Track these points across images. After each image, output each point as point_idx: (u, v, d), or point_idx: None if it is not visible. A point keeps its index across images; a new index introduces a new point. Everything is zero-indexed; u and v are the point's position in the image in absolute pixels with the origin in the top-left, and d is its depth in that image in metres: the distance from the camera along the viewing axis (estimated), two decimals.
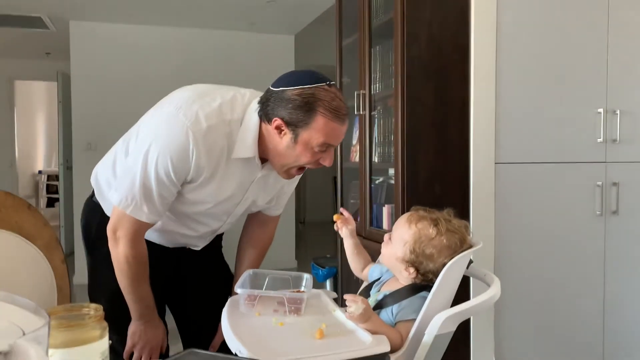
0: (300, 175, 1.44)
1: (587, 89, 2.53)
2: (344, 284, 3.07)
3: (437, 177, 2.38)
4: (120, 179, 1.39)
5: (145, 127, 1.36)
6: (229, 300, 1.35)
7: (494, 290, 1.18)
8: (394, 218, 2.49)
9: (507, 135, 2.40)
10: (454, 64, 2.37)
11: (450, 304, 1.22)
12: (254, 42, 5.41)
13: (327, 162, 1.33)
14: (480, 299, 1.16)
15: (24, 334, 0.42)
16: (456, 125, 2.38)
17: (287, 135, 1.28)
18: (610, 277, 2.59)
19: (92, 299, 1.59)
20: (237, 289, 1.29)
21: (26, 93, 8.41)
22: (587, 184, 2.54)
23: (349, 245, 1.46)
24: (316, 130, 1.25)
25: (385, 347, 1.06)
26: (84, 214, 1.56)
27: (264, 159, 1.39)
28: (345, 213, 1.43)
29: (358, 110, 2.68)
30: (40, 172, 9.14)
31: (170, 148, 1.28)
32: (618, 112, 2.55)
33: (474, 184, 2.37)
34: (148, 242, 1.46)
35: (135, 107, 4.99)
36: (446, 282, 1.17)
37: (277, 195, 1.58)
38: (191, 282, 1.62)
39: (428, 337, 1.12)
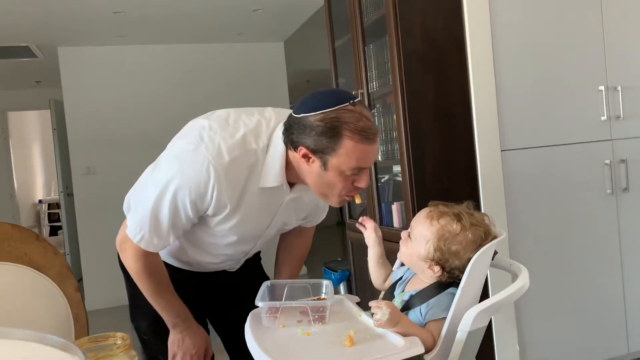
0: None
1: (586, 67, 2.51)
2: (358, 286, 3.04)
3: (444, 170, 2.35)
4: (136, 207, 1.37)
5: (165, 159, 1.33)
6: (250, 315, 1.32)
7: (524, 280, 1.15)
8: (404, 215, 2.46)
9: (510, 122, 2.38)
10: (451, 54, 2.34)
11: (479, 297, 1.19)
12: (244, 52, 5.39)
13: (362, 184, 1.25)
14: (510, 290, 1.13)
15: None
16: (459, 116, 2.35)
17: (316, 163, 1.21)
18: (626, 254, 2.56)
19: (135, 322, 1.59)
20: (258, 302, 1.26)
21: (19, 123, 8.37)
22: (595, 163, 2.52)
23: (376, 254, 1.40)
24: (345, 155, 1.17)
25: (419, 349, 1.03)
26: None
27: (292, 183, 1.34)
28: (367, 219, 1.37)
29: None
30: (40, 201, 9.10)
31: (190, 183, 1.24)
32: (619, 88, 2.53)
33: (481, 173, 2.34)
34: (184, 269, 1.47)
35: (130, 127, 5.03)
36: (474, 276, 1.14)
37: (313, 211, 1.53)
38: (231, 299, 1.59)
39: (461, 334, 1.09)
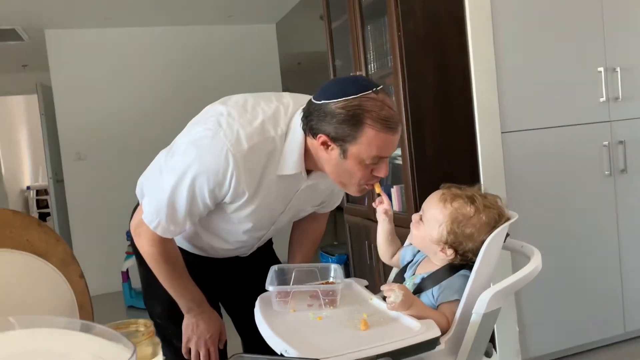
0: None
1: (585, 49, 2.50)
2: (356, 269, 3.04)
3: (444, 152, 2.35)
4: (151, 193, 1.34)
5: (182, 145, 1.29)
6: (258, 299, 1.31)
7: (537, 262, 1.15)
8: (404, 198, 2.46)
9: (510, 104, 2.37)
10: (451, 36, 2.32)
11: (492, 280, 1.19)
12: (235, 35, 5.31)
13: (382, 173, 1.22)
14: (524, 271, 1.13)
15: None
16: (459, 97, 2.34)
17: (335, 151, 1.18)
18: (624, 235, 2.58)
19: (148, 306, 1.57)
20: (269, 286, 1.25)
21: (5, 108, 8.22)
22: (594, 145, 2.53)
23: (385, 230, 1.38)
24: (366, 144, 1.15)
25: (435, 332, 1.03)
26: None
27: (309, 170, 1.31)
28: (384, 196, 1.35)
29: None
30: (28, 187, 8.98)
31: (208, 170, 1.21)
32: (618, 69, 2.52)
33: (482, 155, 2.33)
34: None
35: (121, 111, 4.95)
36: (487, 258, 1.13)
37: (328, 197, 1.51)
38: (244, 283, 1.57)
39: (476, 316, 1.09)
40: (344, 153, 1.18)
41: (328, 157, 1.21)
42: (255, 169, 1.24)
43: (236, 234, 1.41)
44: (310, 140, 1.23)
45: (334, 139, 1.17)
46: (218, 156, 1.20)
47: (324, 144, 1.19)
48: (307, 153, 1.26)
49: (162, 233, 1.30)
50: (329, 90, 1.18)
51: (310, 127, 1.20)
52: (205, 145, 1.22)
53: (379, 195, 1.35)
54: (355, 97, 1.14)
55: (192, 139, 1.26)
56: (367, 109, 1.14)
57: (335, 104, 1.15)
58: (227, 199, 1.27)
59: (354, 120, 1.14)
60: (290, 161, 1.25)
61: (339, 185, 1.28)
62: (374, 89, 1.16)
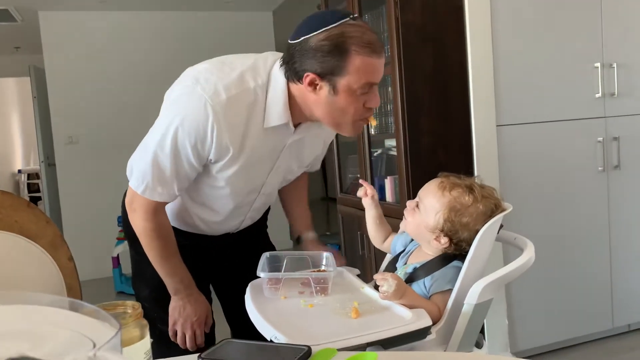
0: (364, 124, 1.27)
1: (583, 44, 2.49)
2: (348, 260, 3.04)
3: (439, 144, 2.34)
4: (138, 161, 1.32)
5: (164, 109, 1.27)
6: (249, 285, 1.30)
7: (530, 253, 1.15)
8: (397, 189, 2.45)
9: (506, 97, 2.36)
10: (450, 27, 2.31)
11: (484, 270, 1.18)
12: (231, 21, 5.26)
13: (374, 103, 1.17)
14: (517, 263, 1.12)
15: (94, 345, 0.36)
16: (456, 90, 2.33)
17: (324, 89, 1.13)
18: (615, 231, 2.59)
19: (136, 289, 1.56)
20: (260, 273, 1.24)
21: None
22: (588, 140, 2.53)
23: (373, 216, 1.39)
24: (355, 73, 1.10)
25: (426, 321, 1.02)
26: (123, 205, 1.48)
27: (295, 124, 1.28)
28: (366, 184, 1.36)
29: None
30: (19, 171, 8.91)
31: (189, 126, 1.18)
32: (615, 65, 2.52)
33: (477, 148, 2.33)
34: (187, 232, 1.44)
35: (114, 94, 4.91)
36: (481, 248, 1.13)
37: (314, 162, 1.50)
38: (235, 264, 1.56)
39: (468, 306, 1.08)
40: (334, 89, 1.14)
41: (317, 98, 1.17)
42: (237, 122, 1.21)
43: (225, 199, 1.37)
44: (295, 86, 1.19)
45: (322, 75, 1.13)
46: (197, 109, 1.17)
47: (311, 84, 1.15)
48: (292, 104, 1.22)
49: (150, 196, 1.27)
50: (306, 25, 1.14)
51: (293, 70, 1.16)
52: (183, 102, 1.20)
53: (361, 185, 1.36)
54: (336, 26, 1.11)
55: (171, 99, 1.25)
56: (350, 36, 1.10)
57: (316, 37, 1.11)
58: (212, 157, 1.24)
59: (339, 50, 1.10)
60: (276, 111, 1.22)
61: (334, 127, 1.23)
62: (352, 16, 1.13)
